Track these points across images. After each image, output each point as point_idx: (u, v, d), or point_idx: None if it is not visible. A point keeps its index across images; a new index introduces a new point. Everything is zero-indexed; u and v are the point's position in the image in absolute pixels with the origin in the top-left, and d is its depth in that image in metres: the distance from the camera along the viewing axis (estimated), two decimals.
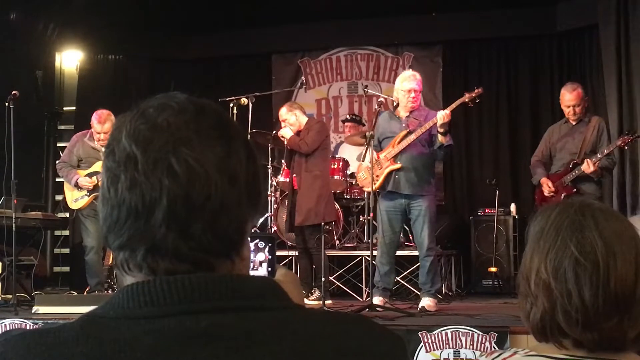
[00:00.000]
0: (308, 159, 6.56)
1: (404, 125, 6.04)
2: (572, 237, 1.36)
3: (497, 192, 7.75)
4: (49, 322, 5.18)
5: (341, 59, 9.59)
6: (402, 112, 6.07)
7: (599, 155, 5.98)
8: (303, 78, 9.47)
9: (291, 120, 6.64)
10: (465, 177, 9.13)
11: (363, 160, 6.15)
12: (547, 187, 6.30)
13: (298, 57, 9.70)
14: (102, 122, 6.64)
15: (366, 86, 7.95)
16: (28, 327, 4.99)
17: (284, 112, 6.70)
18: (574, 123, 6.35)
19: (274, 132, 7.23)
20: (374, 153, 5.99)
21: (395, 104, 6.19)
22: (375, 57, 9.48)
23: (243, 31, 9.42)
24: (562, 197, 6.15)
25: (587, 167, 5.97)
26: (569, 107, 6.29)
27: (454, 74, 9.19)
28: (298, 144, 6.52)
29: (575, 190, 6.16)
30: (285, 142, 6.67)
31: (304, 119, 6.68)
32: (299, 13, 8.94)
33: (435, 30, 9.20)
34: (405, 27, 9.24)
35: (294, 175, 6.70)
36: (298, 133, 6.60)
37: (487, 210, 8.11)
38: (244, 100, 7.43)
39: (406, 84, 6.03)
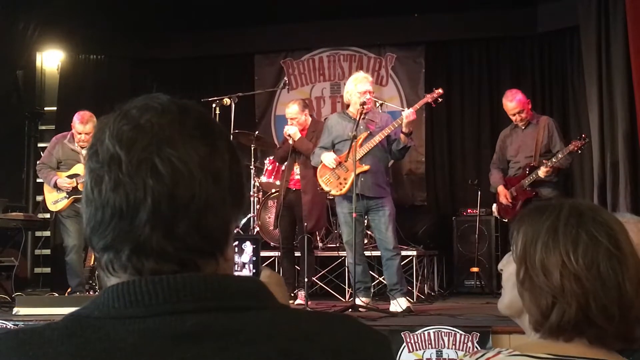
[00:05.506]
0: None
1: (362, 127, 5.98)
2: (599, 230, 1.35)
3: (479, 192, 7.77)
4: (30, 323, 5.13)
5: (324, 60, 9.57)
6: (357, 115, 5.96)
7: (553, 160, 6.16)
8: (286, 78, 9.44)
9: (301, 120, 6.60)
10: (448, 177, 9.14)
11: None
12: (505, 198, 6.50)
13: (281, 58, 9.66)
14: (84, 123, 6.61)
15: None
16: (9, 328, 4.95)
17: (295, 111, 6.61)
18: (523, 127, 6.54)
19: (257, 132, 7.19)
20: (337, 156, 6.01)
21: (347, 105, 6.17)
22: (358, 57, 9.47)
23: (225, 31, 9.39)
24: (521, 202, 6.36)
25: (543, 171, 6.16)
26: (514, 115, 6.49)
27: (437, 74, 9.19)
28: (311, 152, 6.38)
29: (534, 193, 6.34)
30: (291, 141, 6.55)
31: (309, 120, 6.68)
32: (281, 13, 8.91)
33: (417, 31, 9.20)
34: (388, 28, 9.23)
35: (296, 176, 6.64)
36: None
37: (469, 211, 8.15)
38: (226, 101, 7.43)
39: (361, 86, 5.99)
